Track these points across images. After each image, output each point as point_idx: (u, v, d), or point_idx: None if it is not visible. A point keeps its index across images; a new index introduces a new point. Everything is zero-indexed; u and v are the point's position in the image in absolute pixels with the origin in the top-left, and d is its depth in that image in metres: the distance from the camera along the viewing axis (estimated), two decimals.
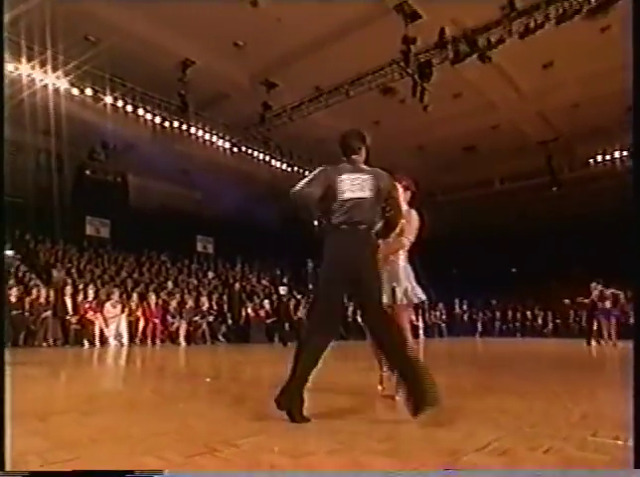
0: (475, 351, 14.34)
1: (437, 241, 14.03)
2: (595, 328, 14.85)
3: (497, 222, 23.82)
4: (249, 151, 18.98)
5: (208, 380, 6.18)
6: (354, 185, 3.62)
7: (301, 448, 2.82)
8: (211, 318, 15.68)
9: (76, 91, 15.21)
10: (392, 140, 19.73)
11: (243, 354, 11.95)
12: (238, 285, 18.27)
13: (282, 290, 19.61)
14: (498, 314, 23.45)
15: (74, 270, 16.67)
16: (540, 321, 22.35)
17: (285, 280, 21.48)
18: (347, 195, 3.61)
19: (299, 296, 19.26)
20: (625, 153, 19.50)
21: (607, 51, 13.02)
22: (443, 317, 22.66)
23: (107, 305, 13.82)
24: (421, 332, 20.15)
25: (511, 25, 12.69)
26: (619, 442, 3.00)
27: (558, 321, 21.71)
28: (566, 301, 18.20)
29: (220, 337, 15.74)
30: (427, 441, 3.00)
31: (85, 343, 13.18)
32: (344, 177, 3.64)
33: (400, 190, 4.31)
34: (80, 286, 14.56)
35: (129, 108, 16.19)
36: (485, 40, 13.12)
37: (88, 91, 15.36)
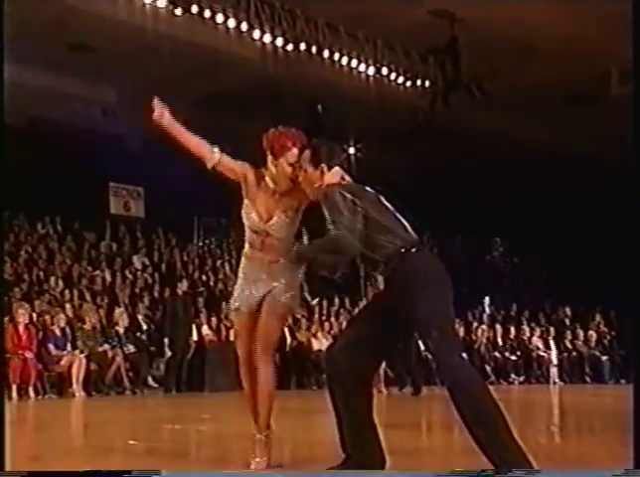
0: None
1: None
2: None
3: None
4: (209, 15, 13.16)
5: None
6: None
7: None
8: (132, 347, 13.32)
9: None
10: None
11: (175, 408, 10.46)
12: (185, 283, 13.90)
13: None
14: None
15: None
16: None
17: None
18: None
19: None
20: None
21: None
22: (605, 341, 14.84)
23: None
24: (555, 371, 13.61)
25: None
26: None
27: None
28: None
29: (150, 380, 13.53)
30: None
31: None
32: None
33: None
34: None
35: None
36: None
37: None
